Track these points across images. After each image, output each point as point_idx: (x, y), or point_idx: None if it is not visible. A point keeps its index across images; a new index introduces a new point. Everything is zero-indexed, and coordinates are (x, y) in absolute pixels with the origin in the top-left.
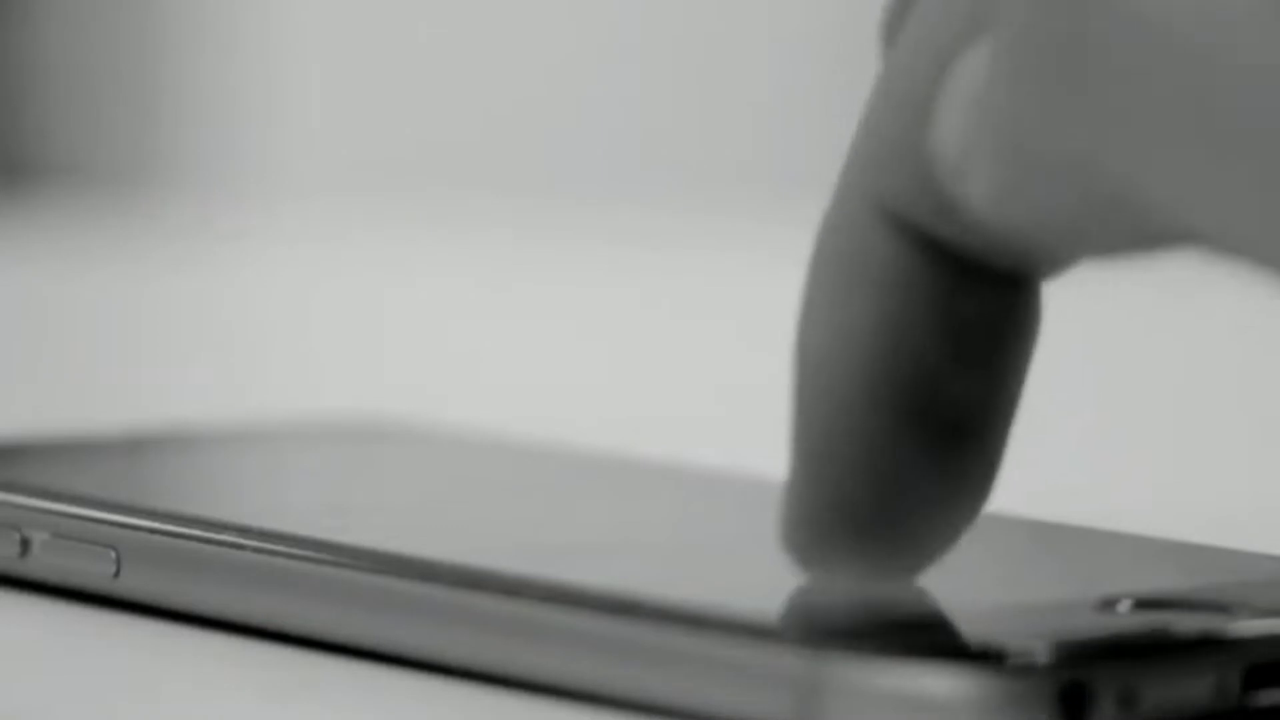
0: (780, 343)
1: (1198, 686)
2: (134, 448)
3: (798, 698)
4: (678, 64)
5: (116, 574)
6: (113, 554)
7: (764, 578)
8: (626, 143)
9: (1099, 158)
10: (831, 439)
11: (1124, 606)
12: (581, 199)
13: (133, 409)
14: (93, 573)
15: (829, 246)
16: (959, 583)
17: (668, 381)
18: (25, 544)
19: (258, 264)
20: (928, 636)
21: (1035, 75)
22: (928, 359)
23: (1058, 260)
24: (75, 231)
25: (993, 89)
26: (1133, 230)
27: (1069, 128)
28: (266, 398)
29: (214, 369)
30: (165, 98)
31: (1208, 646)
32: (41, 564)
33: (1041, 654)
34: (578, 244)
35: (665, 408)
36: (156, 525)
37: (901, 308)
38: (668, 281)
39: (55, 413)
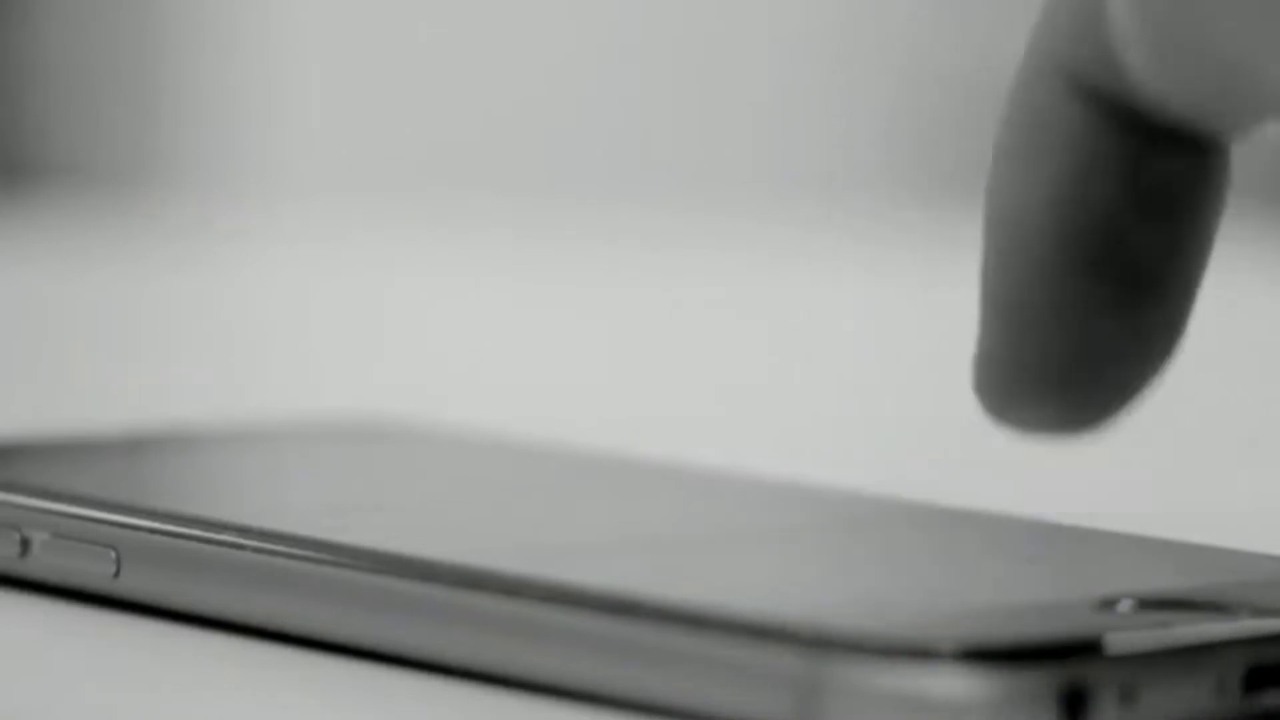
0: (780, 343)
1: (1198, 687)
2: (134, 448)
3: (798, 698)
4: (678, 64)
5: (116, 574)
6: (113, 554)
7: (764, 577)
8: (626, 143)
9: (1238, 36)
10: (1022, 294)
11: (1124, 606)
12: (581, 199)
13: (133, 409)
14: (93, 573)
15: (1018, 111)
16: (959, 582)
17: (668, 381)
18: (25, 544)
19: (258, 264)
20: (928, 636)
21: None
22: (1114, 217)
23: (1220, 125)
24: (75, 231)
25: None
26: (1271, 104)
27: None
28: (266, 398)
29: (214, 369)
30: (165, 98)
31: (1208, 646)
32: (41, 564)
33: (1041, 654)
34: (578, 244)
35: (665, 408)
36: (156, 525)
37: (1088, 168)
38: (668, 281)
39: (55, 413)
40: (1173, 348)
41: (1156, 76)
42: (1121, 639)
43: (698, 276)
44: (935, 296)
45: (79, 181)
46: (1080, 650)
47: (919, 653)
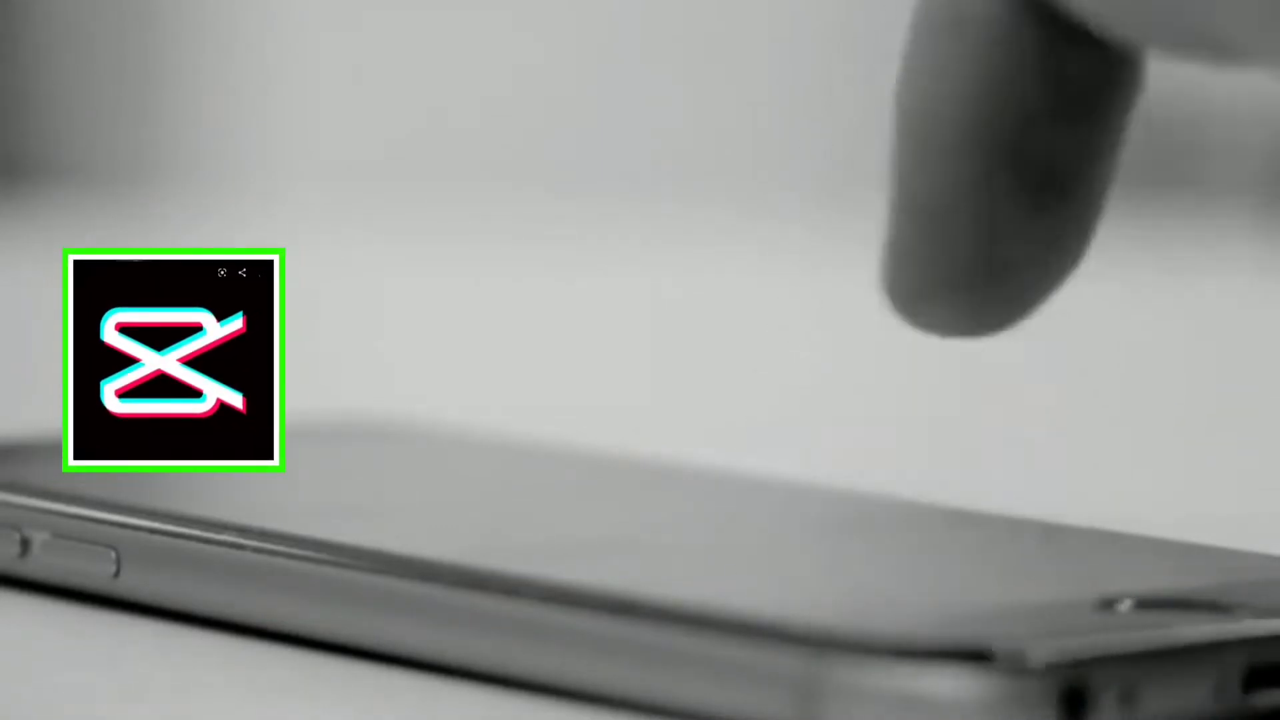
0: (781, 342)
1: (1198, 687)
2: None
3: (798, 698)
4: (679, 62)
5: (116, 574)
6: (113, 554)
7: (764, 577)
8: (628, 141)
9: None
10: (934, 188)
11: (1124, 606)
12: (583, 199)
13: None
14: (93, 573)
15: (930, 5)
16: (959, 582)
17: (668, 381)
18: (25, 544)
19: None
20: (927, 636)
21: None
22: (1028, 113)
23: (1140, 42)
24: (75, 231)
25: None
26: (1201, 40)
27: None
28: None
29: None
30: (165, 98)
31: (1208, 647)
32: (41, 564)
33: (1041, 654)
34: (579, 244)
35: (665, 407)
36: (156, 525)
37: (1004, 62)
38: (669, 281)
39: (55, 413)
40: (1080, 252)
41: None
42: (1121, 639)
43: (700, 276)
44: None
45: (79, 181)
46: (1080, 650)
47: (919, 653)
